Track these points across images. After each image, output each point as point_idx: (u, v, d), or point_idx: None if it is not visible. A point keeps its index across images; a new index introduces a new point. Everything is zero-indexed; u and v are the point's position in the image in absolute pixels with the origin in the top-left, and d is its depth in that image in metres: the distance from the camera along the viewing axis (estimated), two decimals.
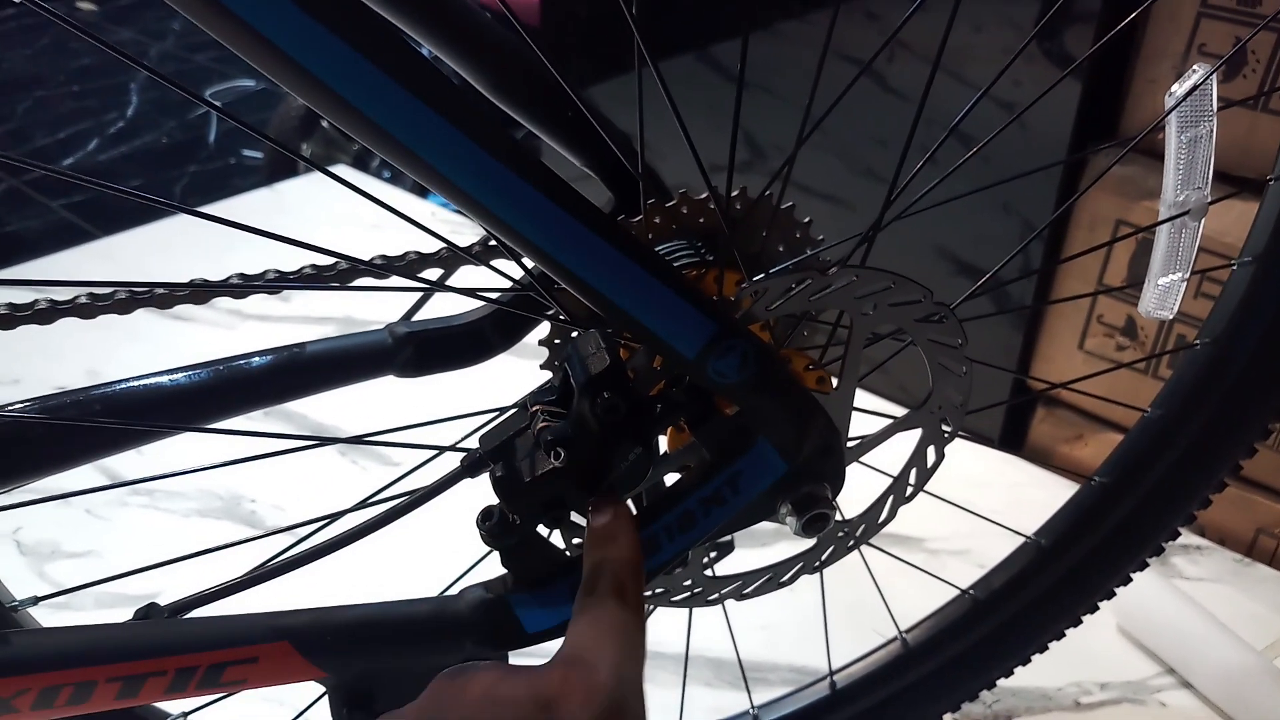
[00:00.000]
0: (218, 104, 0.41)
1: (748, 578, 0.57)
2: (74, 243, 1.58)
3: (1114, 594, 0.67)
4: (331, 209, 1.59)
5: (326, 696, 0.48)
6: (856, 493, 0.56)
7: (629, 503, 0.46)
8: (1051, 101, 1.03)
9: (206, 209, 0.44)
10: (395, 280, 0.50)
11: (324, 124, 2.04)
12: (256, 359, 0.53)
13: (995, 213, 1.16)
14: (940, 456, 0.55)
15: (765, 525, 0.52)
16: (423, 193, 1.85)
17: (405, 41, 0.37)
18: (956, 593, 0.70)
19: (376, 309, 1.33)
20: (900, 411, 0.54)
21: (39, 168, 0.38)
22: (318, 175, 1.82)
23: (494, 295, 0.54)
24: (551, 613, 0.48)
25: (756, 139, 1.32)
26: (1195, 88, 0.52)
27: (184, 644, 0.45)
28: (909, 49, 1.15)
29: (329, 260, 0.56)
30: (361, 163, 2.08)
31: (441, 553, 0.66)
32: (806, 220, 0.52)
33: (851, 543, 0.58)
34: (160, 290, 0.52)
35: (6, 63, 3.49)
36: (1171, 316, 0.56)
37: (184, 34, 3.71)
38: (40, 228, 2.52)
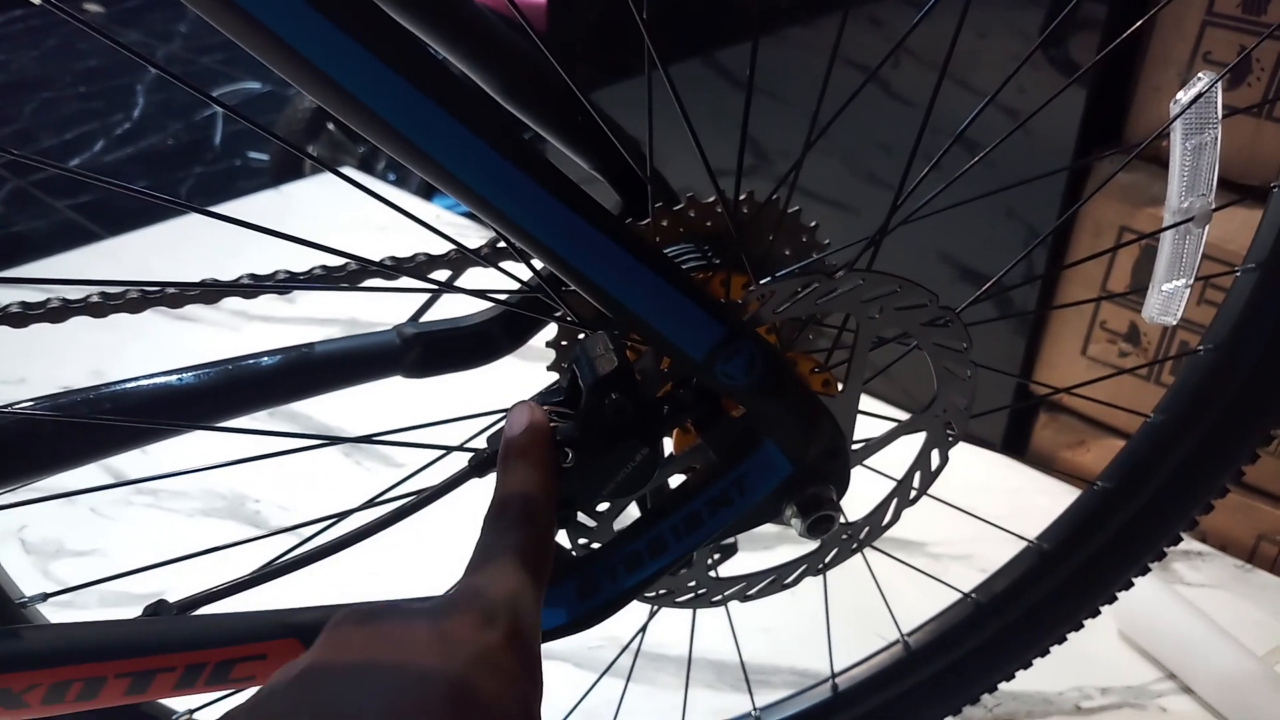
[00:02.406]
0: (229, 104, 0.42)
1: (751, 579, 0.57)
2: (80, 243, 1.58)
3: (1115, 599, 0.67)
4: (337, 211, 1.60)
5: None
6: (860, 496, 0.56)
7: (545, 416, 0.45)
8: (1056, 108, 1.03)
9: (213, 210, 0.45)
10: (404, 281, 0.51)
11: (330, 127, 2.04)
12: (265, 359, 0.53)
13: (999, 218, 1.16)
14: (944, 460, 0.56)
15: (769, 528, 0.52)
16: (428, 195, 1.85)
17: (417, 42, 0.38)
18: (959, 596, 0.70)
19: (382, 310, 1.33)
20: (903, 417, 0.55)
21: (60, 169, 0.38)
22: (323, 178, 1.82)
23: (502, 296, 0.54)
24: (558, 612, 0.48)
25: (761, 144, 1.33)
26: (1200, 95, 0.52)
27: (193, 640, 0.45)
28: (914, 55, 1.16)
29: (338, 261, 0.56)
30: (367, 165, 2.09)
31: (448, 552, 0.67)
32: (813, 224, 0.53)
33: (855, 545, 0.58)
34: (172, 290, 0.53)
35: (13, 64, 3.50)
36: (1175, 322, 0.56)
37: (190, 36, 3.72)
38: (46, 228, 2.53)
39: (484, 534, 0.41)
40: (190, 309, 0.55)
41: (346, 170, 1.98)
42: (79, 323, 0.54)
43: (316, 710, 0.31)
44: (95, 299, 0.53)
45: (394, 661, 0.33)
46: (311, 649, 0.35)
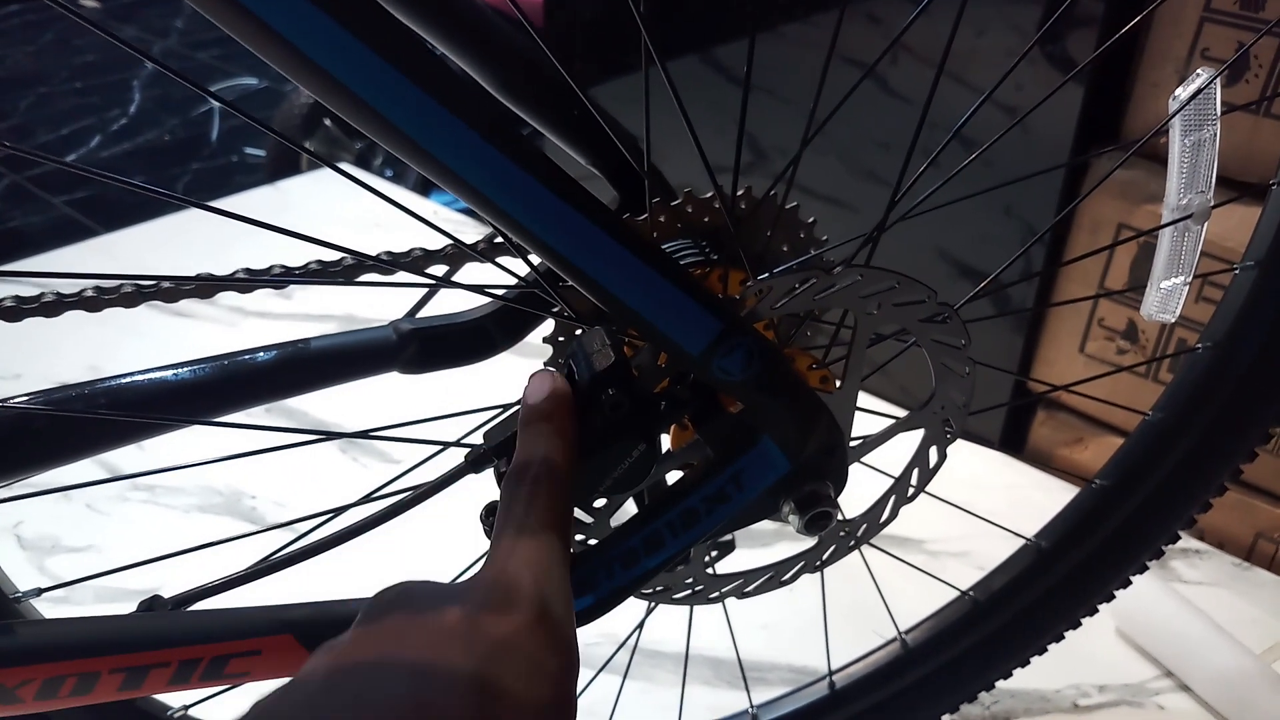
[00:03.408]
0: (226, 99, 0.42)
1: (749, 576, 0.57)
2: (76, 238, 1.58)
3: (1113, 597, 0.67)
4: (334, 207, 1.60)
5: None
6: (858, 493, 0.56)
7: (566, 383, 0.45)
8: (1054, 105, 1.03)
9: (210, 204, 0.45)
10: (401, 276, 0.50)
11: (327, 123, 2.04)
12: (261, 354, 0.53)
13: (997, 215, 1.16)
14: (942, 457, 0.56)
15: (766, 525, 0.52)
16: (425, 190, 1.85)
17: (414, 37, 0.38)
18: (956, 594, 0.70)
19: (378, 306, 1.33)
20: (901, 413, 0.55)
21: (57, 162, 0.38)
22: (320, 173, 1.82)
23: (499, 292, 0.54)
24: None
25: (759, 141, 1.33)
26: (1199, 91, 0.52)
27: (187, 636, 0.45)
28: (911, 52, 1.15)
29: (335, 256, 0.56)
30: (364, 161, 2.08)
31: (445, 548, 0.67)
32: (811, 220, 0.53)
33: (853, 542, 0.58)
34: (167, 285, 0.53)
35: (9, 59, 3.49)
36: (1173, 320, 0.56)
37: (187, 31, 3.71)
38: (42, 223, 2.52)
39: (506, 502, 0.40)
40: (186, 304, 0.55)
41: (343, 166, 1.97)
42: (74, 318, 0.54)
43: (340, 705, 0.31)
44: (90, 294, 0.53)
45: (419, 657, 0.33)
46: (350, 632, 0.36)
